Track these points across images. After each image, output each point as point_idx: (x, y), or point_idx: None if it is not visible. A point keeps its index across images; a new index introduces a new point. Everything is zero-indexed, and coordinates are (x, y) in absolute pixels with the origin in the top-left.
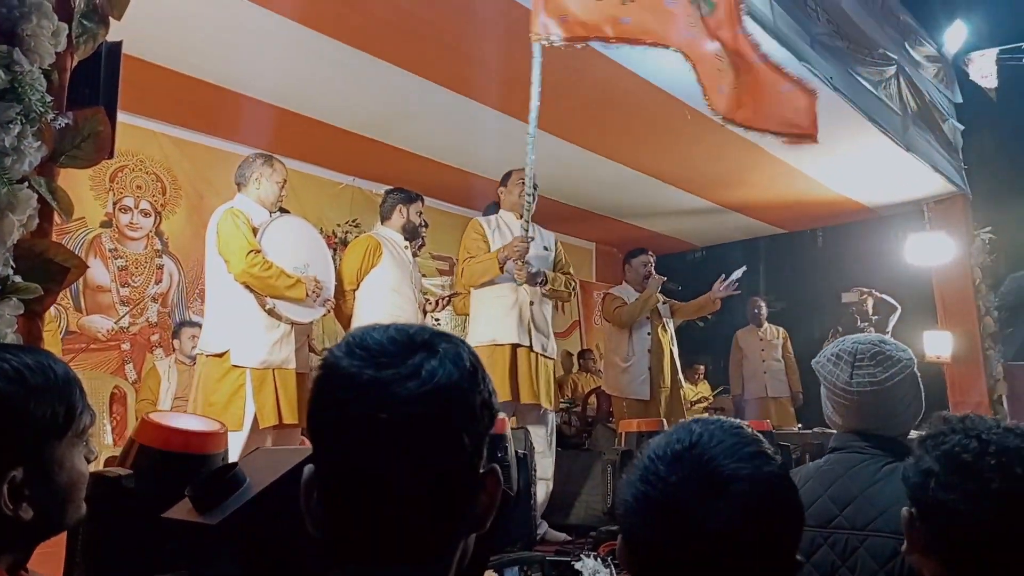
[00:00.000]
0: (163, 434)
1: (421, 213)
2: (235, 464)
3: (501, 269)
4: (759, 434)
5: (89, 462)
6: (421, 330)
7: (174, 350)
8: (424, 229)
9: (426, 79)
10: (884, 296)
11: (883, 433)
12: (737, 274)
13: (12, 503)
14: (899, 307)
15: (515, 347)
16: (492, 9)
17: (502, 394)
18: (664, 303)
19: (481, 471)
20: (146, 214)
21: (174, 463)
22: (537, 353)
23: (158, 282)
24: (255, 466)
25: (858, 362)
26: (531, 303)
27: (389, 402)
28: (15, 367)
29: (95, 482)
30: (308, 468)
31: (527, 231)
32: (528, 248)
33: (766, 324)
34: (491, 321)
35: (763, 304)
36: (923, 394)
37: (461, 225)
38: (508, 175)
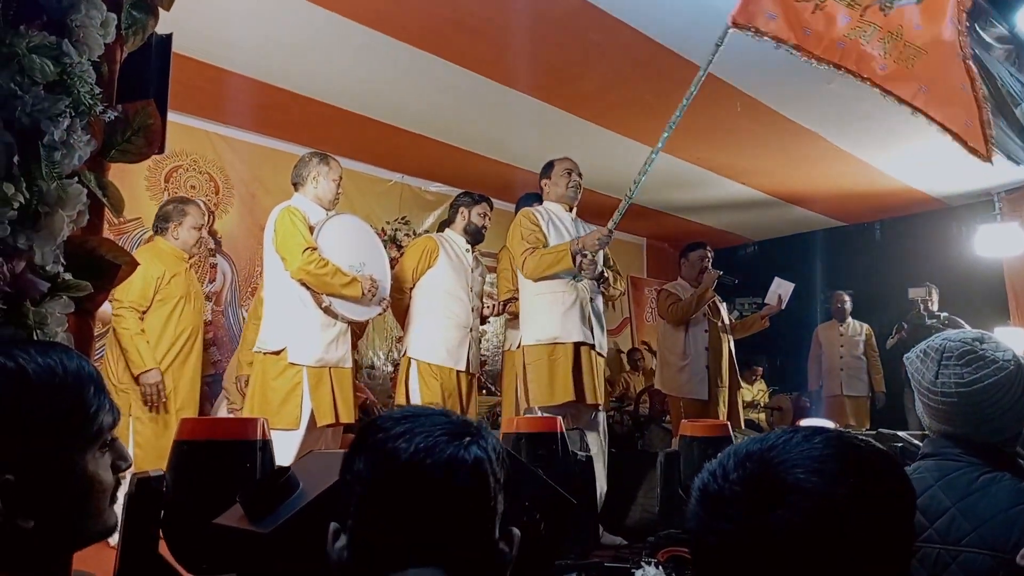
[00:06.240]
0: (195, 426)
1: (485, 215)
2: (287, 468)
3: (574, 261)
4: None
5: (122, 470)
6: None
7: None
8: (485, 231)
9: (469, 70)
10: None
11: (979, 439)
12: (781, 290)
13: (4, 508)
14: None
15: (578, 345)
16: (542, 2)
17: (565, 394)
18: (722, 300)
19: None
20: None
21: (207, 454)
22: (597, 352)
23: (211, 281)
24: (308, 470)
25: (945, 360)
26: (590, 299)
27: None
28: (18, 363)
29: (133, 484)
30: (334, 526)
31: (612, 228)
32: (609, 242)
33: (849, 319)
34: (552, 319)
35: (847, 299)
36: None
37: (502, 219)
38: (550, 165)
